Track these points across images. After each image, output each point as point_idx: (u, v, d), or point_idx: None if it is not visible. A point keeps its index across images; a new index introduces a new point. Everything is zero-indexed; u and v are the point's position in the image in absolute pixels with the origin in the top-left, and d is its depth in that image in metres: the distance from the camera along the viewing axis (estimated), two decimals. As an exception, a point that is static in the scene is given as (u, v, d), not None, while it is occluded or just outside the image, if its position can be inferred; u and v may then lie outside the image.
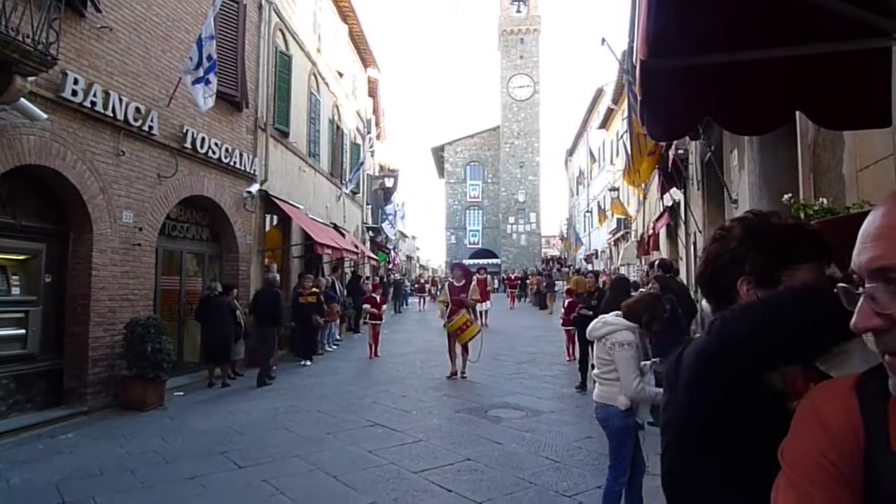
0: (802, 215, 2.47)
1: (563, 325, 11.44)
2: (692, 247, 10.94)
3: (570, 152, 49.74)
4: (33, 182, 7.50)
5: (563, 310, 11.65)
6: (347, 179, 20.35)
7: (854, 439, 0.86)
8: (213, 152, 10.62)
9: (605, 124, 29.33)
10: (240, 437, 6.78)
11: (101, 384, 7.99)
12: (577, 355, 9.67)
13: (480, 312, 18.32)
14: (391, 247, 35.07)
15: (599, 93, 32.83)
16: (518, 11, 52.78)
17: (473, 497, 4.79)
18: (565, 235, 50.12)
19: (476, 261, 42.70)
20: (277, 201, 13.14)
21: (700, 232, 9.63)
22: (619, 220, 25.94)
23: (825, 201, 2.79)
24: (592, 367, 4.74)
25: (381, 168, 31.93)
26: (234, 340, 10.21)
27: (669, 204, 13.14)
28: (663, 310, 4.03)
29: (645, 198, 18.95)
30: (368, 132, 25.95)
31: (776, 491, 0.92)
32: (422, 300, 31.10)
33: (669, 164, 10.47)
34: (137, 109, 8.58)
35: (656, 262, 9.92)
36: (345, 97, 20.94)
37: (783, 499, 0.90)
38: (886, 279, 0.80)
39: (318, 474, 5.44)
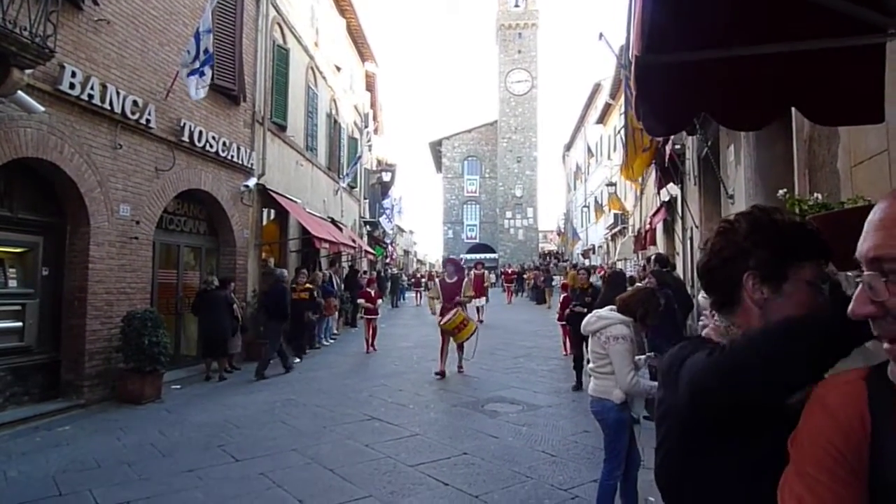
0: (797, 210, 2.49)
1: (559, 319, 11.47)
2: (689, 242, 10.96)
3: (568, 147, 49.71)
4: (31, 175, 7.49)
5: (559, 304, 11.68)
6: (345, 173, 20.32)
7: (860, 427, 0.88)
8: (211, 146, 10.61)
9: (602, 119, 29.30)
10: (237, 430, 6.80)
11: (98, 377, 8.01)
12: (573, 352, 9.57)
13: (477, 308, 18.39)
14: (388, 241, 35.03)
15: (597, 88, 32.79)
16: (516, 6, 52.67)
17: (470, 490, 4.82)
18: (562, 230, 50.16)
19: (473, 255, 42.84)
20: (275, 195, 13.13)
21: (697, 227, 9.65)
22: (616, 216, 25.96)
23: (819, 196, 2.82)
24: (588, 361, 4.76)
25: (379, 162, 31.86)
26: (232, 334, 10.22)
27: (666, 199, 13.15)
28: (658, 304, 4.05)
29: (642, 193, 18.97)
30: (366, 126, 25.91)
31: (784, 478, 0.94)
32: (419, 295, 31.10)
33: (666, 160, 10.48)
34: (135, 103, 8.57)
35: (653, 257, 9.94)
36: (342, 91, 20.90)
37: (790, 485, 0.91)
38: (881, 269, 0.84)
39: (314, 467, 5.47)
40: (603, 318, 4.05)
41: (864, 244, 0.87)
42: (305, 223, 13.84)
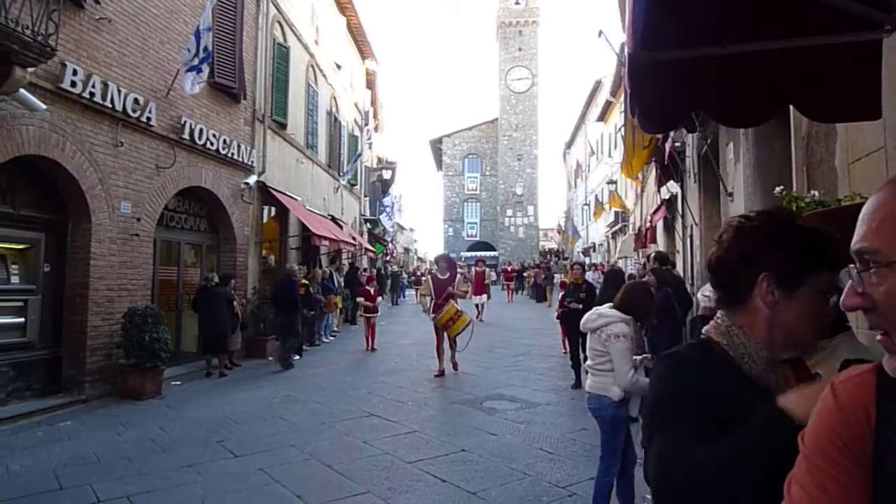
0: (794, 207, 2.51)
1: (558, 317, 11.46)
2: (689, 240, 10.96)
3: (569, 145, 49.63)
4: (32, 172, 7.52)
5: (558, 302, 11.67)
6: (345, 171, 20.33)
7: (865, 417, 0.89)
8: (211, 143, 10.63)
9: (603, 117, 29.25)
10: (236, 426, 6.82)
11: (99, 373, 8.05)
12: (569, 350, 9.50)
13: (477, 306, 18.39)
14: (389, 239, 35.05)
15: (598, 85, 32.72)
16: (517, 3, 52.65)
17: (468, 487, 4.84)
18: (563, 228, 50.13)
19: (474, 253, 42.75)
20: (275, 192, 13.14)
21: (696, 225, 9.66)
22: (616, 213, 25.95)
23: (816, 194, 2.84)
24: (585, 358, 4.77)
25: (379, 160, 31.85)
26: (232, 331, 10.25)
27: (666, 197, 13.15)
28: (653, 302, 4.06)
29: (643, 191, 18.97)
30: (366, 124, 25.90)
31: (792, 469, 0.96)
32: (419, 292, 31.03)
33: (666, 157, 10.47)
34: (136, 100, 8.58)
35: (653, 255, 9.96)
36: (343, 89, 20.89)
37: (795, 474, 0.93)
38: (863, 261, 0.86)
39: (313, 463, 5.49)
40: (604, 316, 4.04)
41: (853, 238, 0.90)
42: (305, 220, 13.86)
